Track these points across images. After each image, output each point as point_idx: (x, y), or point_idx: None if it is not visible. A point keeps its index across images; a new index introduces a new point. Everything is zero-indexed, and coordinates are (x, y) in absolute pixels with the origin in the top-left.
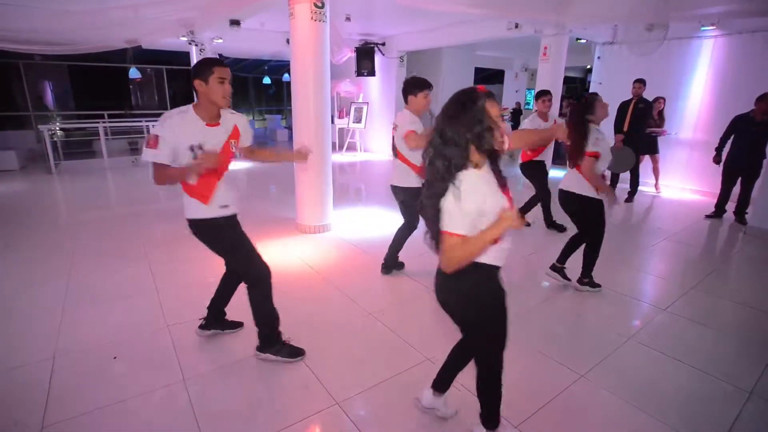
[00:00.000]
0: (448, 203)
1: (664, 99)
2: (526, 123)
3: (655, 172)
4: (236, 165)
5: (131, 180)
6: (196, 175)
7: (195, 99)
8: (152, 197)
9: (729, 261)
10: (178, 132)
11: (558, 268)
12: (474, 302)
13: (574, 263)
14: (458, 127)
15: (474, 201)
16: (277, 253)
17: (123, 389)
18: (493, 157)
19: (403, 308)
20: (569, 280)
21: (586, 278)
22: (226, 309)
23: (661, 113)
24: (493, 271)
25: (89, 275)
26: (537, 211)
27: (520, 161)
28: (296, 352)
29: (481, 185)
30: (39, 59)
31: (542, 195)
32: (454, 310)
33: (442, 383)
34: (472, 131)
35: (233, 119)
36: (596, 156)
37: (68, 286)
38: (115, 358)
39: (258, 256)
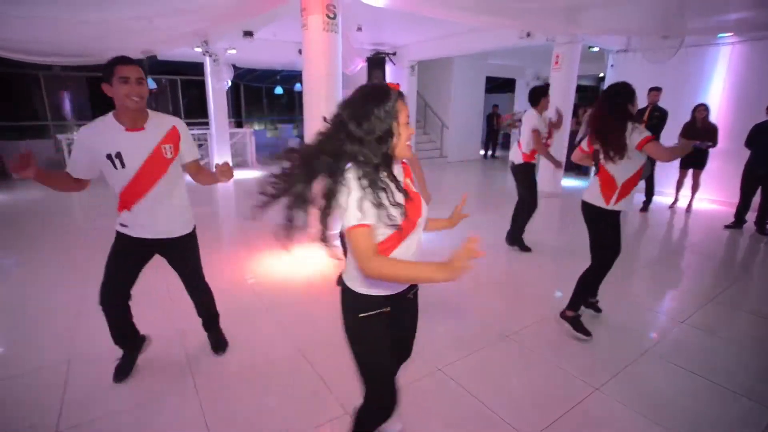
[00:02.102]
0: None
1: (705, 106)
2: (533, 122)
3: (694, 188)
4: (247, 174)
5: None
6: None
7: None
8: None
9: (749, 273)
10: (92, 140)
11: (589, 303)
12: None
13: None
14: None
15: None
16: (289, 262)
17: (135, 395)
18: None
19: None
20: (600, 310)
21: (571, 310)
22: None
23: (705, 122)
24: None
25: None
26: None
27: (518, 161)
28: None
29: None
30: (58, 70)
31: (530, 204)
32: None
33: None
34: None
35: (170, 122)
36: (651, 138)
37: (83, 292)
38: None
39: (115, 279)
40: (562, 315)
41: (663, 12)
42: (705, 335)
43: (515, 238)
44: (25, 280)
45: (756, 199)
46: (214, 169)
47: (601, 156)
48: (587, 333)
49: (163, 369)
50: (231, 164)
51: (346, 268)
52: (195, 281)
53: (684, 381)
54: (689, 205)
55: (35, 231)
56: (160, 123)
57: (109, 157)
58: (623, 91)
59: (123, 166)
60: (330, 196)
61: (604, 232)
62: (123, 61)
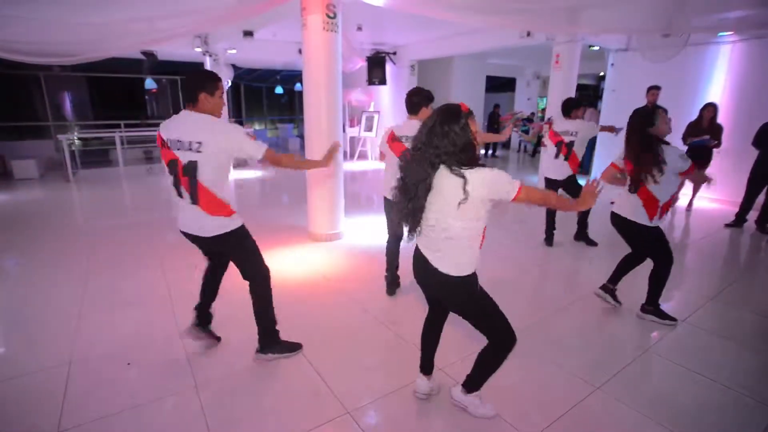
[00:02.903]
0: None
1: (714, 105)
2: (591, 127)
3: (695, 187)
4: (249, 174)
5: (146, 188)
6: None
7: (189, 106)
8: (166, 205)
9: (750, 271)
10: None
11: (609, 289)
12: (463, 300)
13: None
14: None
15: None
16: (289, 261)
17: (136, 395)
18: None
19: (415, 317)
20: (620, 303)
21: (651, 305)
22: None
23: (713, 122)
24: (474, 275)
25: (105, 282)
26: (562, 224)
27: (568, 173)
28: (294, 347)
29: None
30: (58, 71)
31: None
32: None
33: (471, 382)
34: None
35: None
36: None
37: (84, 293)
38: (128, 364)
39: (262, 257)
40: (643, 309)
41: (664, 11)
42: (706, 334)
43: (582, 234)
44: (26, 281)
45: (759, 198)
46: None
47: (643, 176)
48: (672, 318)
49: (163, 369)
50: (232, 164)
51: (455, 262)
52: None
53: (685, 380)
54: (690, 204)
55: (35, 231)
56: None
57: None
58: (642, 120)
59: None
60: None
61: (652, 245)
62: (220, 78)
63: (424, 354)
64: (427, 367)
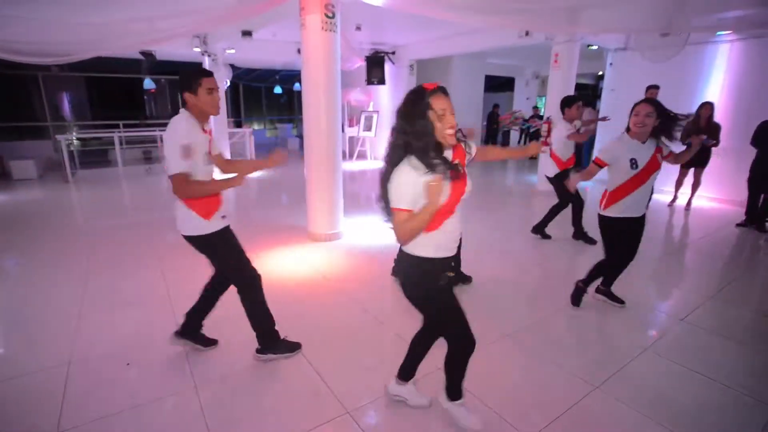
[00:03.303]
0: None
1: (711, 104)
2: (561, 129)
3: (694, 186)
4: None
5: (145, 188)
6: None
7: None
8: (165, 205)
9: (749, 270)
10: (191, 138)
11: (604, 291)
12: (411, 284)
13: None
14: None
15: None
16: (289, 261)
17: (136, 395)
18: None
19: (414, 316)
20: (623, 303)
21: (584, 284)
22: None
23: (710, 121)
24: (436, 262)
25: (104, 282)
26: (561, 223)
27: (554, 172)
28: (293, 347)
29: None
30: (57, 71)
31: (576, 203)
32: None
33: (405, 372)
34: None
35: (209, 126)
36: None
37: (84, 293)
38: (128, 364)
39: (248, 261)
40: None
41: (663, 10)
42: (705, 333)
43: (579, 233)
44: (26, 281)
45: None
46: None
47: None
48: (620, 301)
49: (163, 369)
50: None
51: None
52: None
53: (684, 379)
54: (688, 203)
55: (35, 232)
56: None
57: (203, 154)
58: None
59: (208, 163)
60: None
61: (602, 235)
62: (207, 73)
63: (406, 360)
64: (404, 373)
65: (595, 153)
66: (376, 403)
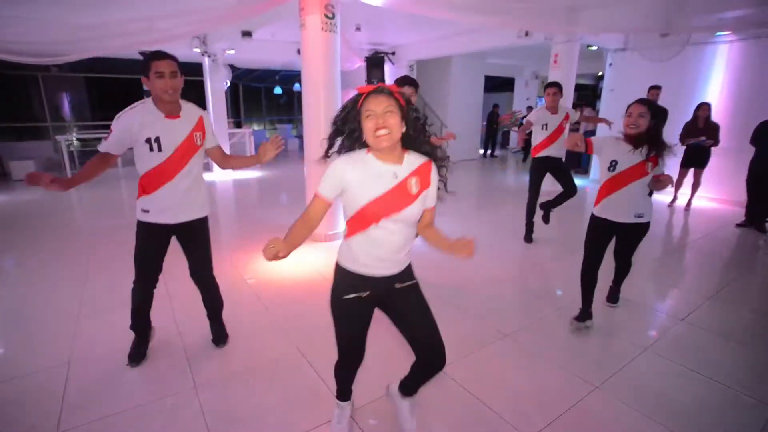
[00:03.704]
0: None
1: (707, 105)
2: (531, 115)
3: (694, 187)
4: (248, 174)
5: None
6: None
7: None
8: None
9: (749, 270)
10: (134, 124)
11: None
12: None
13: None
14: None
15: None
16: (289, 261)
17: (136, 396)
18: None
19: None
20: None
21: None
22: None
23: (708, 122)
24: (348, 274)
25: (104, 282)
26: (562, 223)
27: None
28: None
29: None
30: (56, 71)
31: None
32: None
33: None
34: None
35: (198, 112)
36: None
37: (83, 293)
38: (128, 364)
39: (147, 270)
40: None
41: (662, 11)
42: (705, 333)
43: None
44: (25, 281)
45: None
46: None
47: None
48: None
49: (162, 369)
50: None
51: None
52: (204, 268)
53: (684, 379)
54: (688, 203)
55: (35, 232)
56: (190, 112)
57: (148, 141)
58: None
59: (160, 150)
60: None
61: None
62: (158, 56)
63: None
64: (404, 388)
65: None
66: (376, 403)
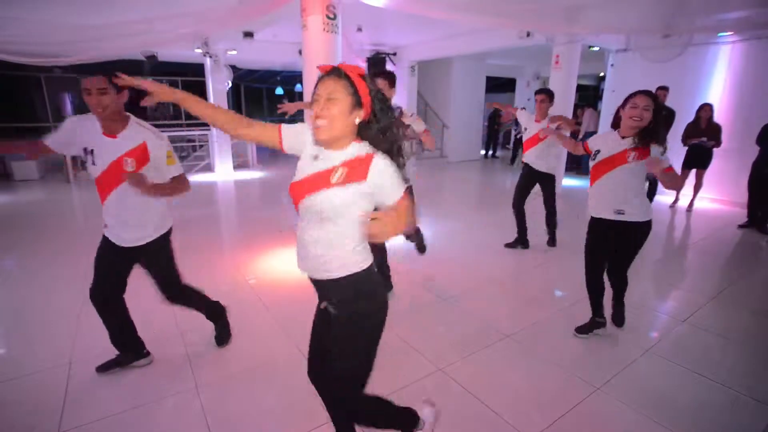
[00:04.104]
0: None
1: (710, 105)
2: (521, 114)
3: (696, 188)
4: (249, 174)
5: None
6: None
7: None
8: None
9: (750, 271)
10: (76, 127)
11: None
12: None
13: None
14: None
15: None
16: (289, 261)
17: (137, 396)
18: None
19: (415, 317)
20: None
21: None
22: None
23: (710, 122)
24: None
25: None
26: (565, 224)
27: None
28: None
29: None
30: (59, 72)
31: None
32: None
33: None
34: None
35: (144, 137)
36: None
37: (84, 293)
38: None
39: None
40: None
41: (664, 11)
42: (706, 334)
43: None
44: (26, 282)
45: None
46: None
47: None
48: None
49: (164, 370)
50: (232, 165)
51: None
52: (168, 290)
53: (685, 380)
54: (690, 204)
55: (36, 232)
56: (133, 136)
57: (85, 150)
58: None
59: (94, 163)
60: None
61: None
62: (90, 73)
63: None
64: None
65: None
66: None
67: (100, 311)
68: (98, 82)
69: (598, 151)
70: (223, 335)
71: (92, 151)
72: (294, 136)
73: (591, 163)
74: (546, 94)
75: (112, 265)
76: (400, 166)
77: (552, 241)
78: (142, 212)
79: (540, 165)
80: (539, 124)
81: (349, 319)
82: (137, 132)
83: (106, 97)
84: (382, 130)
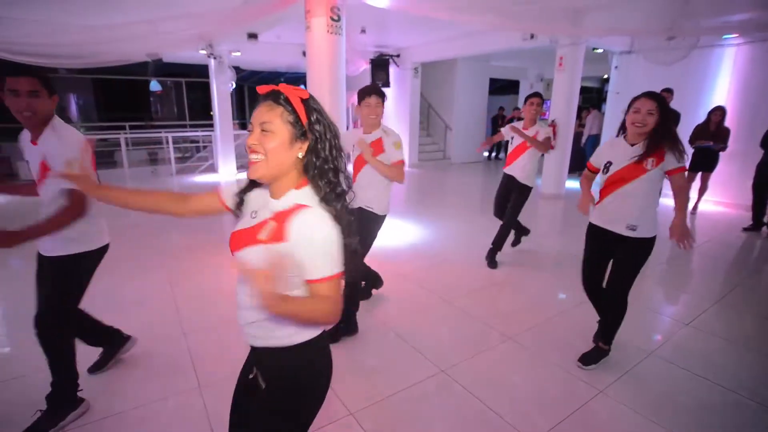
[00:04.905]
0: None
1: (722, 109)
2: (505, 130)
3: (701, 190)
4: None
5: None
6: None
7: None
8: None
9: (754, 274)
10: (21, 144)
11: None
12: None
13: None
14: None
15: None
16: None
17: (140, 395)
18: None
19: (417, 319)
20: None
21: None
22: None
23: (720, 126)
24: None
25: (109, 282)
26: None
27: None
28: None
29: None
30: (64, 73)
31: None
32: None
33: None
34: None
35: (53, 140)
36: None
37: (88, 293)
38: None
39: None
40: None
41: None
42: (710, 337)
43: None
44: (30, 281)
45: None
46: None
47: None
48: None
49: (166, 369)
50: (235, 166)
51: None
52: (44, 310)
53: (689, 383)
54: (695, 207)
55: None
56: (47, 141)
57: (27, 162)
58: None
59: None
60: None
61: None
62: (14, 71)
63: None
64: None
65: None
66: (378, 405)
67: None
68: (30, 83)
69: (610, 163)
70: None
71: (27, 162)
72: (231, 190)
73: (602, 177)
74: (540, 98)
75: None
76: (341, 220)
77: (491, 258)
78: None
79: (521, 176)
80: (528, 131)
81: (263, 403)
82: (51, 137)
83: (38, 100)
84: (318, 168)
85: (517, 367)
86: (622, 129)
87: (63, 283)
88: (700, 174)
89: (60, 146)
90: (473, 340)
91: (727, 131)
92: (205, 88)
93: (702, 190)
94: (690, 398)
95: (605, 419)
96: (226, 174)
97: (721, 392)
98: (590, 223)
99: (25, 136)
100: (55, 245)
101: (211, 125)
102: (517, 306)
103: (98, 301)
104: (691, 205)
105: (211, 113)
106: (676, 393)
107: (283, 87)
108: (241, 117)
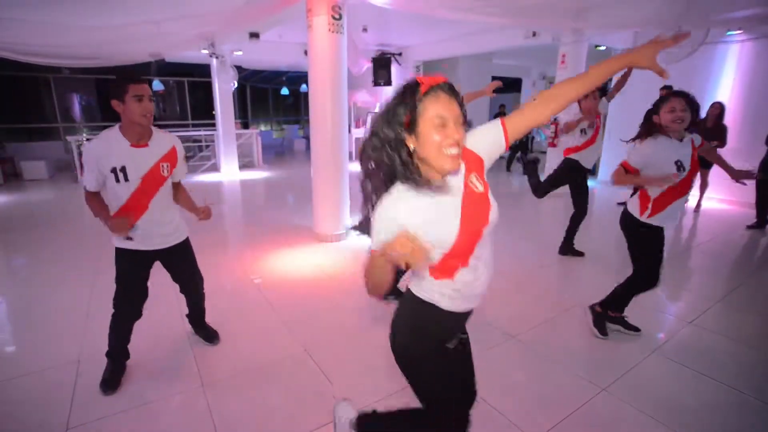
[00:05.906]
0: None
1: (720, 104)
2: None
3: (702, 187)
4: (255, 174)
5: None
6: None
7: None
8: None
9: (758, 273)
10: (99, 154)
11: (615, 318)
12: (398, 344)
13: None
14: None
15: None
16: (295, 261)
17: (144, 394)
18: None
19: None
20: (637, 330)
21: (609, 310)
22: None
23: (717, 121)
24: (439, 313)
25: (113, 281)
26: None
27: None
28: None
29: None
30: (67, 73)
31: (576, 209)
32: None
33: None
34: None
35: (170, 141)
36: (622, 163)
37: (93, 292)
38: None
39: (132, 295)
40: (591, 307)
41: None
42: (713, 336)
43: (567, 248)
44: (35, 281)
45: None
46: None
47: None
48: (604, 333)
49: (170, 368)
50: (238, 165)
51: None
52: (191, 284)
53: (692, 382)
54: (698, 205)
55: (45, 232)
56: (161, 142)
57: (113, 170)
58: (656, 103)
59: (126, 179)
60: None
61: (636, 245)
62: (136, 79)
63: None
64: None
65: (625, 157)
66: (381, 403)
67: (129, 325)
68: (148, 89)
69: (680, 162)
70: (211, 335)
71: (123, 167)
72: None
73: (678, 179)
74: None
75: (141, 276)
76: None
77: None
78: (176, 212)
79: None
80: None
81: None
82: (163, 137)
83: (153, 104)
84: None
85: (520, 366)
86: (651, 129)
87: (192, 257)
88: (699, 171)
89: (178, 142)
90: (475, 339)
91: (723, 128)
92: (208, 87)
93: (703, 187)
94: (693, 397)
95: (608, 418)
96: (229, 173)
97: (725, 391)
98: (656, 226)
99: (112, 143)
100: (181, 232)
101: (214, 125)
102: (520, 304)
103: (105, 299)
104: (694, 203)
105: (214, 113)
106: (679, 391)
107: (442, 78)
108: (243, 116)
